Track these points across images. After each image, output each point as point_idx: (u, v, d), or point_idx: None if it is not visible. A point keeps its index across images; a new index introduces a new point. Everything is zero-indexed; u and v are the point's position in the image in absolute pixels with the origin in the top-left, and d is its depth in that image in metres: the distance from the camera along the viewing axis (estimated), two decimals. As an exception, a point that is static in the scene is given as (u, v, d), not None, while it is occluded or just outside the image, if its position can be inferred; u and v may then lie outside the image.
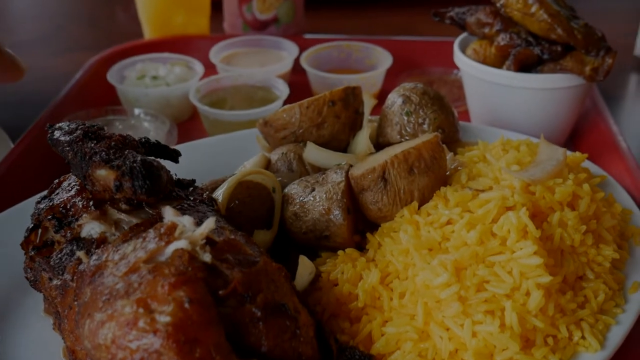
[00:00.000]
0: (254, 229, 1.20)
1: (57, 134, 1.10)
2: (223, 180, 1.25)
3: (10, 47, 1.44)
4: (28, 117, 1.71)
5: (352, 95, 1.38)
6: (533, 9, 1.50)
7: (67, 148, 1.07)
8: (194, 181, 1.20)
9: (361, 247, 1.19)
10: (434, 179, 1.18)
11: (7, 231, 1.24)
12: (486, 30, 1.57)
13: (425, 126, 1.35)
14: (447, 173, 1.23)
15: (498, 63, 1.56)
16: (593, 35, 1.49)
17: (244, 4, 2.07)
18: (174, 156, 1.17)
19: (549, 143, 1.27)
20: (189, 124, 1.76)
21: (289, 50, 1.92)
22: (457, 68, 1.85)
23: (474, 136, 1.48)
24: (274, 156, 1.34)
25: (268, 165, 1.34)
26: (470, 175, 1.21)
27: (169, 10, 2.06)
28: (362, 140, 1.34)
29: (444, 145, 1.24)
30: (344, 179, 1.18)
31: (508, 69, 1.52)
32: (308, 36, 2.11)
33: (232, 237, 0.97)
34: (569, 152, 1.35)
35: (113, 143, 1.05)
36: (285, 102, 1.67)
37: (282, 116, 1.36)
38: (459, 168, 1.25)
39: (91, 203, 1.06)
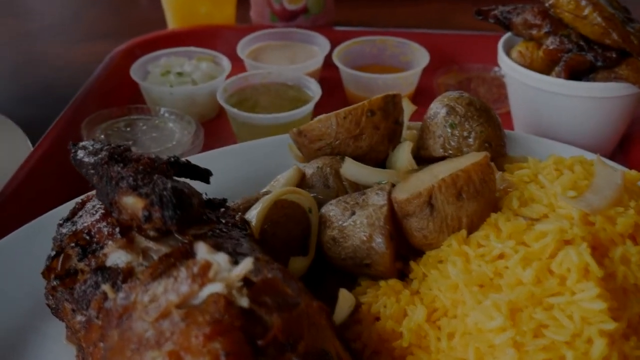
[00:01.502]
0: (289, 252, 1.13)
1: (80, 154, 1.02)
2: (256, 199, 1.17)
3: (26, 35, 1.35)
4: (47, 114, 1.64)
5: (392, 104, 1.29)
6: (586, 12, 1.40)
7: (92, 171, 1.00)
8: (225, 201, 1.13)
9: (403, 274, 1.12)
10: (484, 204, 1.09)
11: (27, 248, 1.17)
12: (534, 31, 1.47)
13: (470, 140, 1.26)
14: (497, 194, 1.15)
15: (545, 67, 1.46)
16: None
17: (272, -7, 1.98)
18: (205, 176, 1.09)
19: (605, 163, 1.18)
20: (215, 124, 1.68)
21: (320, 45, 1.83)
22: (497, 65, 1.76)
23: (519, 146, 1.39)
24: (309, 170, 1.26)
25: (302, 179, 1.26)
26: (521, 200, 1.12)
27: (193, -1, 1.97)
28: (404, 155, 1.25)
29: (493, 166, 1.15)
30: (386, 202, 1.10)
31: (558, 75, 1.42)
32: (338, 28, 2.01)
33: (270, 275, 0.90)
34: (619, 166, 1.27)
35: (141, 167, 0.98)
36: (317, 102, 1.58)
37: (317, 126, 1.27)
38: (508, 190, 1.17)
39: (117, 230, 0.99)
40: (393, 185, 1.16)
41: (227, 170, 1.35)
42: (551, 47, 1.43)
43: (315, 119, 1.29)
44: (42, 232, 1.16)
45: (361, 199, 1.13)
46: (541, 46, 1.45)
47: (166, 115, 1.60)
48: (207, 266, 0.86)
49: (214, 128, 1.66)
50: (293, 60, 1.79)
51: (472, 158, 1.12)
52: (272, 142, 1.42)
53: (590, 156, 1.27)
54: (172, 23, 2.02)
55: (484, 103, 1.31)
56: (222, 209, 1.10)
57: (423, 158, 1.31)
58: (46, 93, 1.88)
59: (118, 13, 2.40)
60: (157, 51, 1.76)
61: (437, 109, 1.30)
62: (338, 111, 1.27)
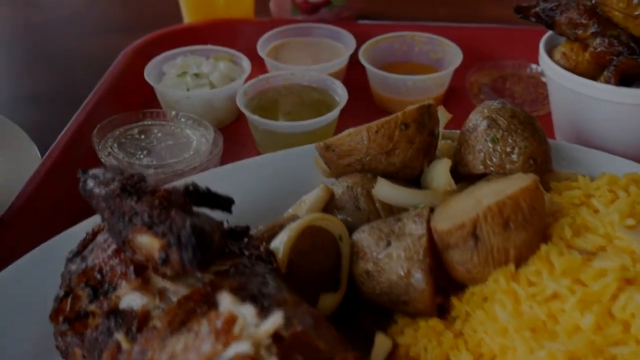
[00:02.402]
0: (318, 286, 1.03)
1: (90, 184, 0.93)
2: (281, 226, 1.07)
3: (37, 27, 1.25)
4: (56, 117, 1.55)
5: (427, 115, 1.19)
6: (638, 11, 1.28)
7: (103, 204, 0.90)
8: (248, 229, 1.03)
9: (442, 307, 1.02)
10: (533, 234, 0.99)
11: (34, 277, 1.08)
12: (579, 31, 1.35)
13: (514, 156, 1.16)
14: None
15: (591, 71, 1.34)
16: None
17: (292, -16, 1.86)
18: (227, 205, 1.00)
19: (665, 184, 1.07)
20: (234, 129, 1.58)
21: (345, 41, 1.72)
22: (534, 62, 1.65)
23: (563, 158, 1.28)
24: (338, 189, 1.16)
25: (331, 199, 1.16)
26: (574, 228, 1.02)
27: (210, -10, 1.86)
28: (441, 174, 1.15)
29: (542, 189, 1.05)
30: (425, 231, 1.00)
31: (607, 81, 1.30)
32: (363, 22, 1.90)
33: (301, 327, 0.80)
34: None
35: (157, 201, 0.88)
36: (343, 109, 1.48)
37: (346, 141, 1.17)
38: (558, 215, 1.06)
39: (131, 269, 0.90)
40: (431, 210, 1.06)
41: (246, 187, 1.25)
42: (599, 50, 1.32)
43: (345, 132, 1.19)
44: (53, 257, 1.08)
45: (397, 227, 1.04)
46: (587, 48, 1.34)
47: (182, 120, 1.50)
48: (232, 320, 0.77)
49: (234, 133, 1.56)
50: (317, 58, 1.69)
51: (519, 182, 1.02)
52: (296, 153, 1.32)
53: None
54: (188, 17, 1.92)
55: (527, 114, 1.20)
56: (246, 239, 1.01)
57: (462, 175, 1.21)
58: (56, 93, 1.79)
59: (133, 4, 2.29)
60: (173, 49, 1.66)
61: (477, 121, 1.19)
62: (369, 124, 1.16)
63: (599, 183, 1.11)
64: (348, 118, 1.59)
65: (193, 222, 0.85)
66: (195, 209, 0.95)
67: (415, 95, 1.58)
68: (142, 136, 1.47)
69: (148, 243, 0.86)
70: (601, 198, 1.07)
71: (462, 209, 1.01)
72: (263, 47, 1.68)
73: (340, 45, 1.72)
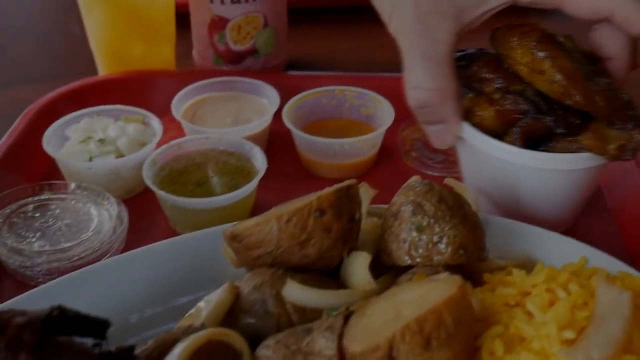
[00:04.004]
0: (215, 415, 0.89)
1: None
2: (173, 340, 0.92)
3: None
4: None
5: (345, 199, 1.06)
6: (544, 66, 1.16)
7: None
8: (132, 349, 0.89)
9: None
10: (458, 350, 0.86)
11: None
12: (484, 86, 1.23)
13: (442, 246, 1.03)
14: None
15: (498, 127, 1.22)
16: (618, 100, 1.15)
17: (215, 33, 1.72)
18: (101, 331, 0.85)
19: (607, 283, 0.95)
20: (144, 199, 1.43)
21: (269, 97, 1.58)
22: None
23: (494, 237, 1.15)
24: (245, 288, 1.03)
25: (237, 300, 1.02)
26: (506, 339, 0.89)
27: (124, 39, 1.71)
28: (360, 271, 1.02)
29: (473, 290, 0.93)
30: (335, 352, 0.87)
31: (512, 143, 1.19)
32: (292, 73, 1.77)
33: None
34: (625, 266, 1.06)
35: (3, 344, 0.73)
36: (267, 169, 1.35)
37: (254, 231, 1.04)
38: (489, 321, 0.94)
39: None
40: (346, 317, 0.93)
41: (140, 283, 1.11)
42: (503, 107, 1.19)
43: (253, 220, 1.05)
44: None
45: (305, 343, 0.90)
46: (493, 103, 1.21)
47: (84, 193, 1.35)
48: None
49: (144, 205, 1.41)
50: (238, 116, 1.54)
51: (444, 288, 0.89)
52: (203, 236, 1.18)
53: (592, 253, 1.06)
54: (102, 68, 1.76)
55: (457, 196, 1.08)
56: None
57: (385, 266, 1.08)
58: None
59: (48, 48, 2.13)
60: (79, 110, 1.50)
61: (402, 205, 1.06)
62: (280, 213, 1.03)
63: (535, 279, 0.98)
64: (272, 184, 1.46)
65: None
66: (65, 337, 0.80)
67: (343, 159, 1.46)
68: (37, 214, 1.32)
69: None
70: (537, 299, 0.94)
71: (379, 321, 0.88)
72: (178, 106, 1.54)
73: (264, 101, 1.59)
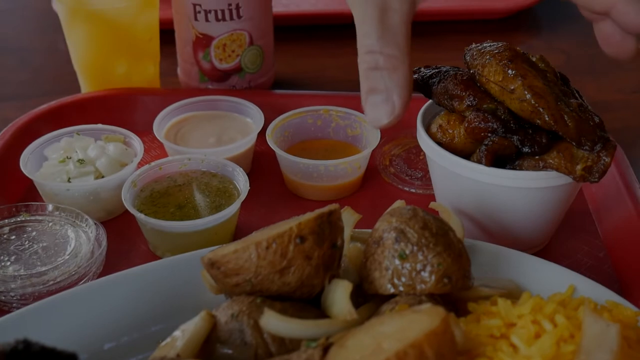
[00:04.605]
0: None
1: None
2: (147, 372, 0.89)
3: None
4: None
5: (327, 225, 1.03)
6: (514, 85, 1.15)
7: None
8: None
9: None
10: (441, 386, 0.83)
11: None
12: (455, 103, 1.21)
13: (425, 274, 1.00)
14: (458, 364, 0.89)
15: (469, 146, 1.21)
16: (588, 122, 1.15)
17: (199, 51, 1.70)
18: (68, 366, 0.82)
19: (595, 315, 0.92)
20: (125, 221, 1.40)
21: (253, 116, 1.56)
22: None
23: (480, 264, 1.13)
24: (222, 317, 1.00)
25: (213, 330, 0.99)
26: (491, 374, 0.86)
27: (107, 57, 1.68)
28: (341, 300, 0.99)
29: (457, 327, 0.90)
30: (313, 386, 0.84)
31: (478, 161, 1.18)
32: (278, 91, 1.74)
33: None
34: (615, 296, 1.03)
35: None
36: (251, 190, 1.32)
37: (232, 258, 1.01)
38: (473, 354, 0.91)
39: None
40: (327, 347, 0.90)
41: (119, 309, 1.08)
42: (473, 125, 1.18)
43: (231, 246, 1.02)
44: None
45: (282, 375, 0.87)
46: (464, 121, 1.20)
47: (62, 215, 1.31)
48: None
49: (124, 227, 1.38)
50: (221, 135, 1.52)
51: (426, 320, 0.86)
52: (182, 261, 1.15)
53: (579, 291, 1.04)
54: (85, 86, 1.73)
55: (442, 223, 1.05)
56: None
57: (367, 295, 1.05)
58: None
59: (31, 64, 2.10)
60: (58, 130, 1.47)
61: (384, 232, 1.04)
62: (259, 239, 1.00)
63: (521, 310, 0.95)
64: (256, 205, 1.44)
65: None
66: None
67: (329, 181, 1.43)
68: (13, 236, 1.28)
69: None
70: (523, 331, 0.92)
71: (359, 354, 0.85)
72: (161, 125, 1.51)
73: (248, 120, 1.56)
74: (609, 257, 1.33)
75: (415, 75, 1.28)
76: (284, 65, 1.94)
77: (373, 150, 1.45)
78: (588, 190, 1.46)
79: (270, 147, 1.45)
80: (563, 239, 1.36)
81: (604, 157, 1.14)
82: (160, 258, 1.31)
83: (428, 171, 1.36)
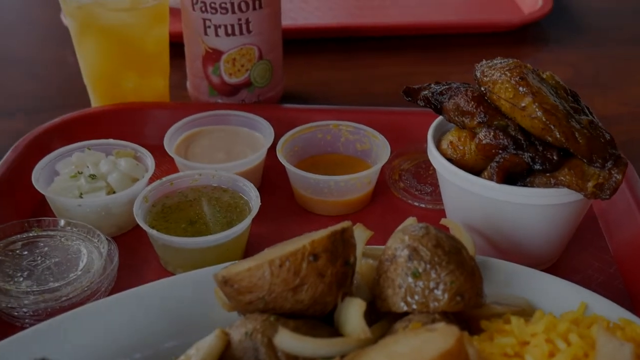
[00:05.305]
0: None
1: None
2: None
3: None
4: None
5: (340, 242, 1.03)
6: (524, 102, 1.16)
7: None
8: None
9: None
10: (456, 405, 0.83)
11: None
12: (466, 120, 1.22)
13: (438, 292, 1.00)
14: (472, 383, 0.89)
15: (480, 162, 1.22)
16: (599, 139, 1.15)
17: (209, 65, 1.71)
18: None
19: (608, 334, 0.93)
20: (136, 236, 1.40)
21: (263, 130, 1.57)
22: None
23: (491, 282, 1.13)
24: (235, 336, 1.00)
25: (227, 348, 0.99)
26: (505, 393, 0.87)
27: (117, 71, 1.69)
28: (354, 318, 0.99)
29: (470, 346, 0.90)
30: (328, 406, 0.84)
31: (490, 178, 1.19)
32: (287, 105, 1.75)
33: None
34: (627, 314, 1.03)
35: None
36: (262, 205, 1.32)
37: (246, 276, 1.01)
38: (488, 373, 0.91)
39: None
40: (340, 366, 0.90)
41: (135, 322, 1.09)
42: (484, 142, 1.19)
43: (244, 264, 1.03)
44: None
45: (297, 395, 0.87)
46: (475, 137, 1.21)
47: (74, 230, 1.32)
48: None
49: (135, 242, 1.39)
50: (231, 150, 1.52)
51: (440, 341, 0.86)
52: (195, 278, 1.15)
53: (591, 298, 1.04)
54: (95, 100, 1.74)
55: (454, 240, 1.05)
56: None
57: (380, 312, 1.05)
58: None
59: (42, 78, 2.10)
60: (70, 145, 1.48)
61: (397, 250, 1.04)
62: (272, 257, 1.01)
63: (535, 328, 0.96)
64: (267, 221, 1.44)
65: None
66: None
67: (339, 196, 1.43)
68: (25, 252, 1.29)
69: None
70: (536, 350, 0.92)
71: (374, 374, 0.85)
72: (171, 140, 1.52)
73: (258, 135, 1.57)
74: (619, 272, 1.33)
75: (426, 92, 1.29)
76: (292, 79, 1.95)
77: (383, 165, 1.46)
78: (598, 206, 1.47)
79: (280, 162, 1.45)
80: (573, 254, 1.36)
81: (615, 175, 1.15)
82: (171, 273, 1.31)
83: (438, 186, 1.37)
